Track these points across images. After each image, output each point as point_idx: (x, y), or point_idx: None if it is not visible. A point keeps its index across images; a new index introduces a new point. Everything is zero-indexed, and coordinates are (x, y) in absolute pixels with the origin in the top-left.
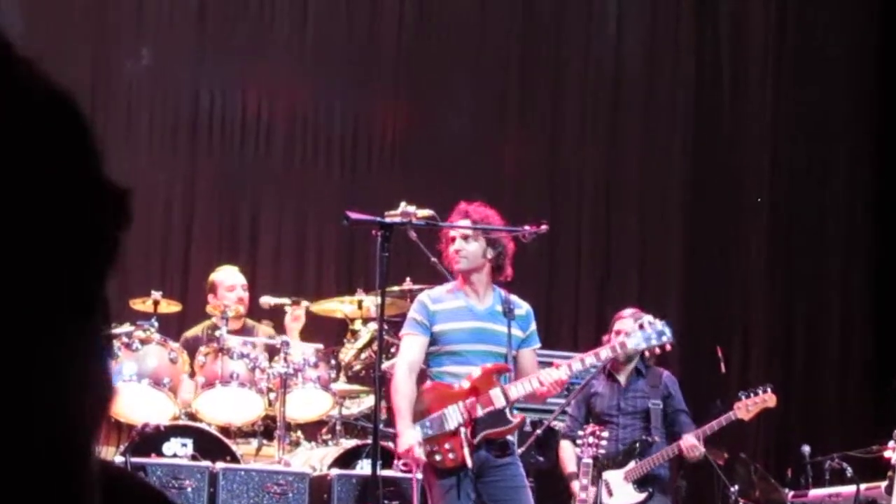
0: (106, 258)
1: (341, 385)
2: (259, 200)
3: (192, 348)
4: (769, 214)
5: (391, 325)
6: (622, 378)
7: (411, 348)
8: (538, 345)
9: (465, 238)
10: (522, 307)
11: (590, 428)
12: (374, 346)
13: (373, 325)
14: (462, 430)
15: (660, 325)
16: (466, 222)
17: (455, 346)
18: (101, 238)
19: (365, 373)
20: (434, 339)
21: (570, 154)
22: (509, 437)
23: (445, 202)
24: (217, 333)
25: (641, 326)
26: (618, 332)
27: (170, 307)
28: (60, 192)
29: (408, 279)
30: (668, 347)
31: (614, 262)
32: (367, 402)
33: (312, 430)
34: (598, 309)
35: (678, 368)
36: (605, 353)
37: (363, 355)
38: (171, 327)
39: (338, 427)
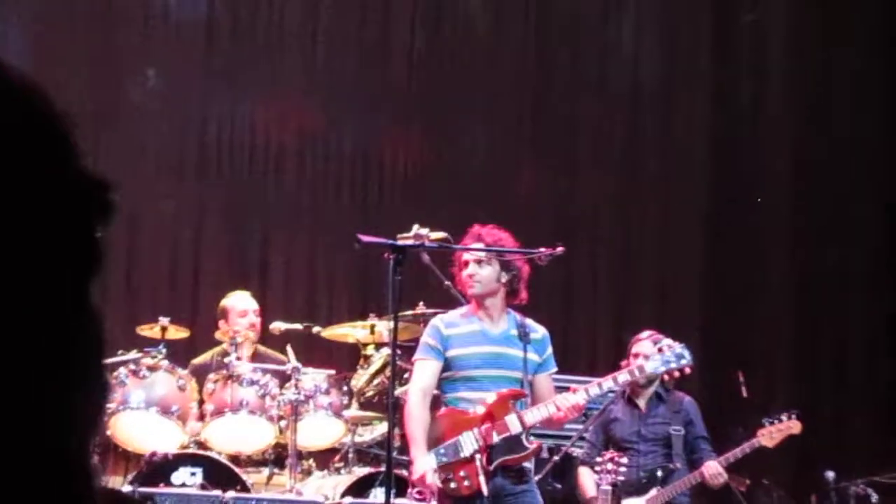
0: (84, 250)
1: (354, 412)
2: (269, 226)
3: (200, 375)
4: (793, 237)
5: (404, 350)
6: (642, 403)
7: (424, 373)
8: (555, 369)
9: (479, 262)
10: (538, 331)
11: (608, 454)
12: (387, 372)
13: (385, 350)
14: (477, 456)
15: (679, 348)
16: (480, 246)
17: (469, 371)
18: (77, 230)
19: (378, 399)
20: (448, 365)
21: (586, 181)
22: (526, 464)
23: (458, 228)
24: (227, 360)
25: (660, 350)
26: (636, 356)
27: (178, 333)
28: (24, 185)
29: (421, 303)
30: (688, 371)
31: (632, 285)
32: (381, 428)
33: (324, 459)
34: (615, 332)
35: (698, 393)
36: (622, 377)
37: (376, 381)
38: (179, 354)
39: (350, 455)
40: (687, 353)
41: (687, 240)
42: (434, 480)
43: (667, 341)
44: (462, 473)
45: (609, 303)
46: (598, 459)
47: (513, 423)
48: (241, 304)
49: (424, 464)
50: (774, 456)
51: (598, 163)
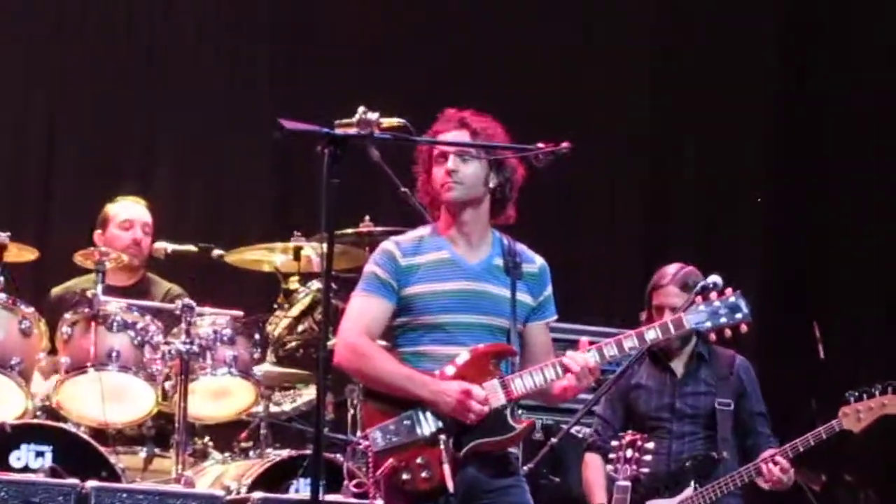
0: None
1: (269, 368)
2: (153, 108)
3: (58, 313)
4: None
5: (342, 285)
6: (678, 366)
7: (365, 314)
8: (554, 317)
9: (461, 156)
10: (534, 262)
11: (628, 437)
12: (317, 314)
13: (316, 284)
14: (442, 438)
15: (733, 296)
16: (461, 136)
17: (435, 316)
18: None
19: (303, 353)
20: (404, 307)
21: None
22: (511, 450)
23: (424, 112)
24: (90, 293)
25: (706, 298)
26: (659, 310)
27: (22, 255)
28: None
29: (367, 218)
30: (744, 328)
31: (669, 200)
32: (307, 394)
33: (226, 436)
34: (644, 267)
35: (753, 354)
36: (651, 334)
37: (301, 327)
38: (24, 283)
39: (263, 431)
40: (743, 304)
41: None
42: (477, 404)
43: (712, 279)
44: (419, 461)
45: (635, 227)
46: (614, 444)
47: (494, 393)
48: (125, 212)
49: (453, 386)
50: (861, 444)
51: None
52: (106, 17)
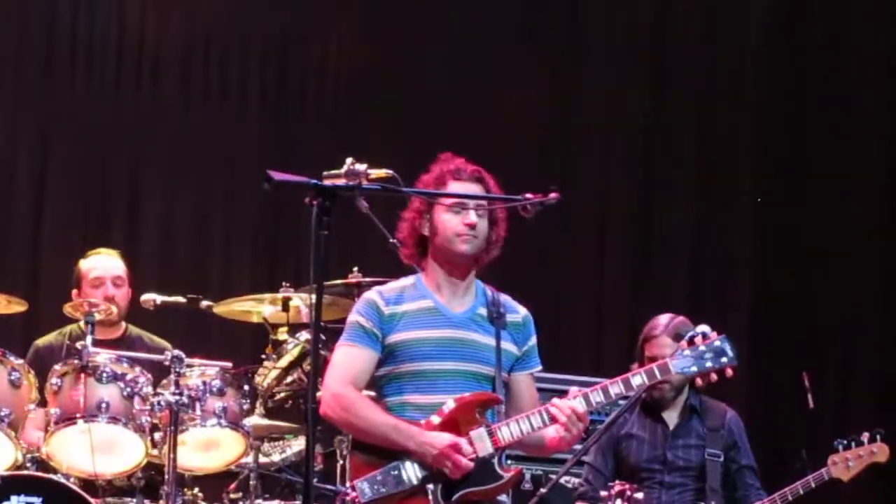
0: None
1: (257, 420)
2: (143, 159)
3: (45, 365)
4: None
5: (330, 335)
6: (671, 417)
7: (351, 364)
8: (539, 367)
9: (478, 211)
10: (518, 312)
11: (618, 487)
12: (306, 365)
13: (304, 335)
14: (430, 488)
15: (718, 340)
16: (476, 189)
17: (418, 364)
18: None
19: (292, 404)
20: (388, 355)
21: (595, 96)
22: (501, 499)
23: (410, 165)
24: (80, 345)
25: (692, 343)
26: (651, 360)
27: (11, 307)
28: None
29: (355, 269)
30: (730, 373)
31: (655, 251)
32: (296, 445)
33: (216, 487)
34: (630, 319)
35: (742, 404)
36: (637, 379)
37: (290, 378)
38: (13, 335)
39: (253, 482)
40: (728, 348)
41: (737, 191)
42: (462, 460)
43: (701, 329)
44: None
45: (623, 276)
46: (603, 494)
47: (481, 442)
48: (95, 270)
49: (435, 439)
50: (852, 493)
51: (615, 73)
52: (93, 67)
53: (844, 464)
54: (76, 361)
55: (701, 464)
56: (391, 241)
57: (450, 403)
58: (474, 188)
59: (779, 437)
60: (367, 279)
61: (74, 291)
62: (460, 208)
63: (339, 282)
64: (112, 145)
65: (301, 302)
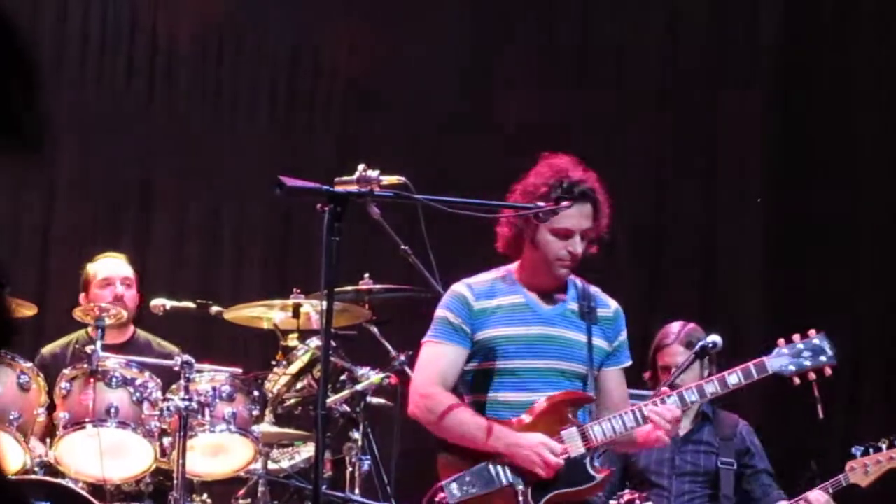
0: None
1: (267, 427)
2: (152, 160)
3: (53, 370)
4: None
5: (341, 342)
6: (683, 423)
7: (440, 361)
8: (629, 362)
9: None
10: (609, 306)
11: (626, 496)
12: (316, 372)
13: (315, 341)
14: (520, 488)
15: (816, 338)
16: (586, 208)
17: (509, 361)
18: None
19: (302, 410)
20: (476, 351)
21: (603, 105)
22: (593, 498)
23: (422, 168)
24: (89, 349)
25: (789, 341)
26: (665, 370)
27: (20, 311)
28: None
29: (366, 276)
30: (828, 372)
31: (666, 251)
32: (305, 452)
33: (224, 493)
34: (643, 328)
35: (752, 413)
36: (734, 378)
37: (299, 384)
38: (22, 339)
39: (262, 488)
40: (827, 346)
41: (747, 193)
42: (552, 456)
43: (712, 339)
44: None
45: (637, 278)
46: (612, 503)
47: (573, 441)
48: (104, 271)
49: (529, 440)
50: (871, 500)
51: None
52: (104, 71)
53: (863, 469)
54: (85, 366)
55: (712, 471)
56: (402, 247)
57: (541, 402)
58: (584, 207)
59: (788, 445)
60: (378, 286)
61: (82, 296)
62: (568, 233)
63: (349, 288)
64: (122, 150)
65: (311, 308)
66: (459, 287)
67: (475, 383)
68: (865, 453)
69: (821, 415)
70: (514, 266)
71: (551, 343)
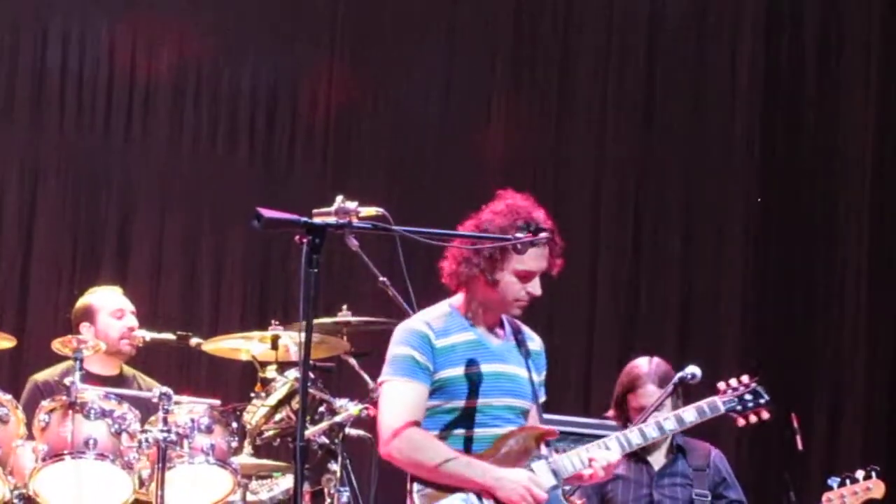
0: None
1: (246, 459)
2: (131, 197)
3: (48, 398)
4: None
5: (319, 374)
6: (657, 458)
7: (410, 398)
8: (545, 398)
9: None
10: (534, 339)
11: None
12: (294, 404)
13: (293, 373)
14: None
15: (754, 384)
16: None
17: (469, 399)
18: None
19: (280, 442)
20: (436, 389)
21: (580, 132)
22: None
23: (398, 201)
24: (68, 381)
25: (731, 387)
26: (638, 410)
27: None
28: None
29: (344, 308)
30: (766, 415)
31: (646, 286)
32: (284, 484)
33: None
34: (620, 355)
35: (730, 445)
36: (690, 415)
37: (278, 416)
38: (0, 370)
39: None
40: (762, 391)
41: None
42: (540, 491)
43: (690, 370)
44: None
45: (615, 312)
46: None
47: (546, 475)
48: (115, 301)
49: (517, 475)
50: None
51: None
52: (83, 106)
53: (840, 500)
54: (64, 398)
55: (688, 503)
56: (381, 279)
57: (514, 437)
58: (546, 250)
59: (765, 477)
60: (356, 318)
61: (85, 325)
62: (530, 275)
63: (328, 320)
64: (101, 183)
65: (290, 340)
66: (418, 325)
67: (430, 420)
68: (842, 484)
69: (799, 446)
70: (457, 300)
71: (506, 380)
